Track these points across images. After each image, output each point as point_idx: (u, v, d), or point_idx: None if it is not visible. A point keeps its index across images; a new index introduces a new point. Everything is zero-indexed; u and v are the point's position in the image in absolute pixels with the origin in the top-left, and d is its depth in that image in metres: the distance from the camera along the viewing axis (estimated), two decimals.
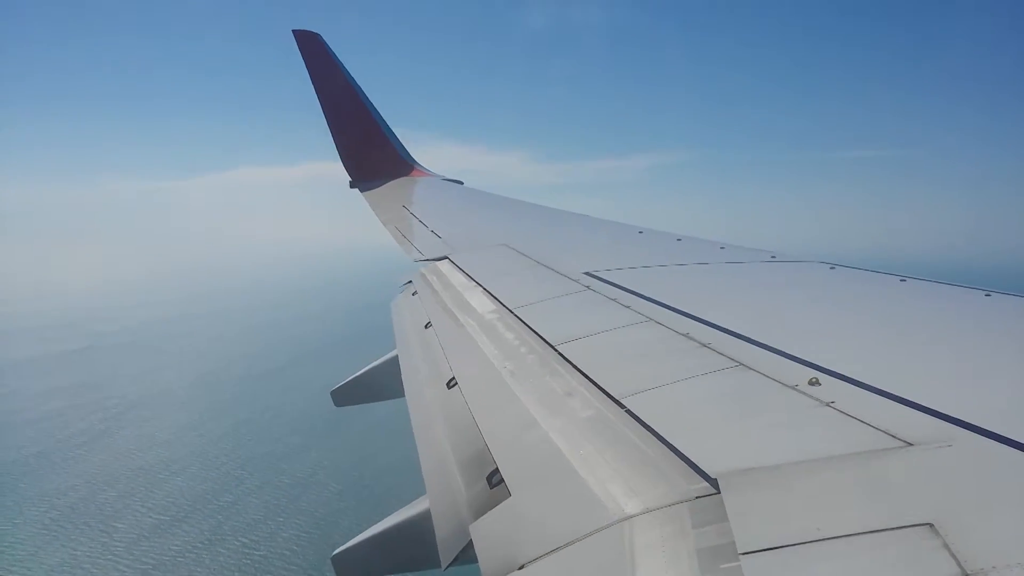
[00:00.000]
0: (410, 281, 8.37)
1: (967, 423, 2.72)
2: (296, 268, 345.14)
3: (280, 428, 75.67)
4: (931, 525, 2.07)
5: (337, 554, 4.59)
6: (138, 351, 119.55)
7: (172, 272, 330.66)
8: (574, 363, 4.21)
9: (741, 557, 2.11)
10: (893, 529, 2.11)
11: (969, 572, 1.86)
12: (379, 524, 4.41)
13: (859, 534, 2.11)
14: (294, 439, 71.93)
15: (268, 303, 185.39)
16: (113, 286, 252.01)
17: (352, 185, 16.18)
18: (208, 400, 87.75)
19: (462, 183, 16.54)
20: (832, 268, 6.26)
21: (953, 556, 1.93)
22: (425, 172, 16.89)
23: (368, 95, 16.36)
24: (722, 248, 7.53)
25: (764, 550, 2.11)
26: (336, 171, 16.36)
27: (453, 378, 4.79)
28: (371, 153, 16.34)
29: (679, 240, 8.25)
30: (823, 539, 2.11)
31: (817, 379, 3.33)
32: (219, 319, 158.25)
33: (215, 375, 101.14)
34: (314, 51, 15.41)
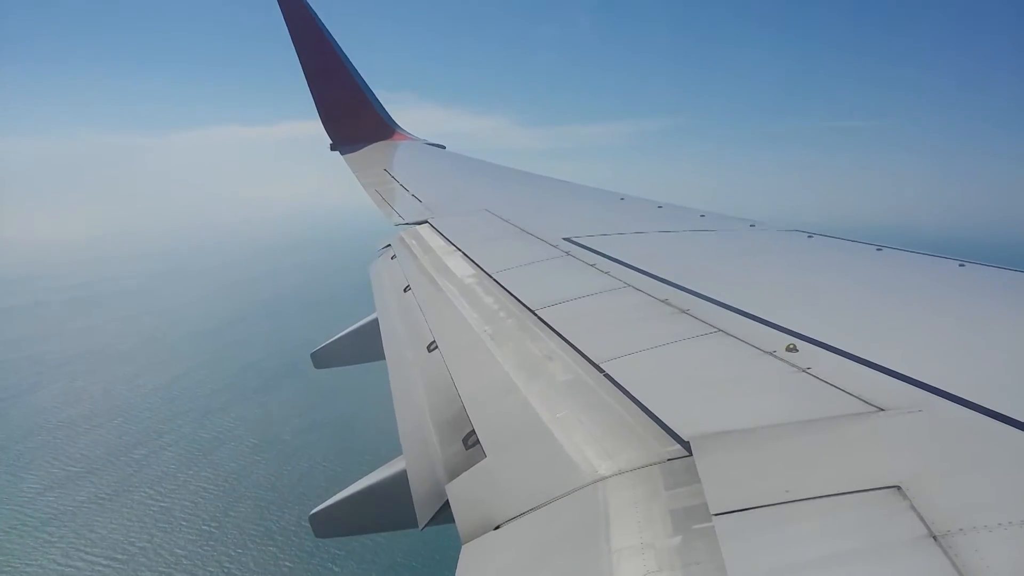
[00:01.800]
0: (388, 245, 8.38)
1: (939, 389, 2.75)
2: (269, 229, 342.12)
3: (212, 384, 75.82)
4: (899, 488, 2.10)
5: (315, 513, 4.59)
6: (88, 307, 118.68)
7: (140, 229, 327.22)
8: (554, 327, 4.24)
9: (713, 518, 2.14)
10: (861, 491, 2.13)
11: (935, 533, 1.87)
12: (356, 484, 4.42)
13: (827, 496, 2.14)
14: (223, 395, 72.15)
15: (233, 262, 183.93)
16: (78, 241, 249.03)
17: (333, 148, 16.11)
18: (147, 355, 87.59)
19: (444, 147, 16.49)
20: (810, 237, 6.33)
21: (920, 518, 1.95)
22: (407, 136, 16.87)
23: (349, 54, 16.18)
24: (702, 216, 7.56)
25: (735, 511, 2.14)
26: (315, 132, 16.34)
27: (433, 341, 4.84)
28: (352, 115, 16.28)
29: (660, 207, 8.30)
30: (792, 500, 2.14)
31: (795, 345, 3.37)
32: (179, 277, 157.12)
33: (161, 331, 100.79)
34: (295, 9, 15.17)
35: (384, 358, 5.31)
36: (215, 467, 55.14)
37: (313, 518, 4.59)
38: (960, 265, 4.98)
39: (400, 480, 3.72)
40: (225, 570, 41.67)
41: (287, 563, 42.29)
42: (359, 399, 64.49)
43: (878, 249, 5.64)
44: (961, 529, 1.87)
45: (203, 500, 49.73)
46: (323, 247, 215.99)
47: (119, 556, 43.03)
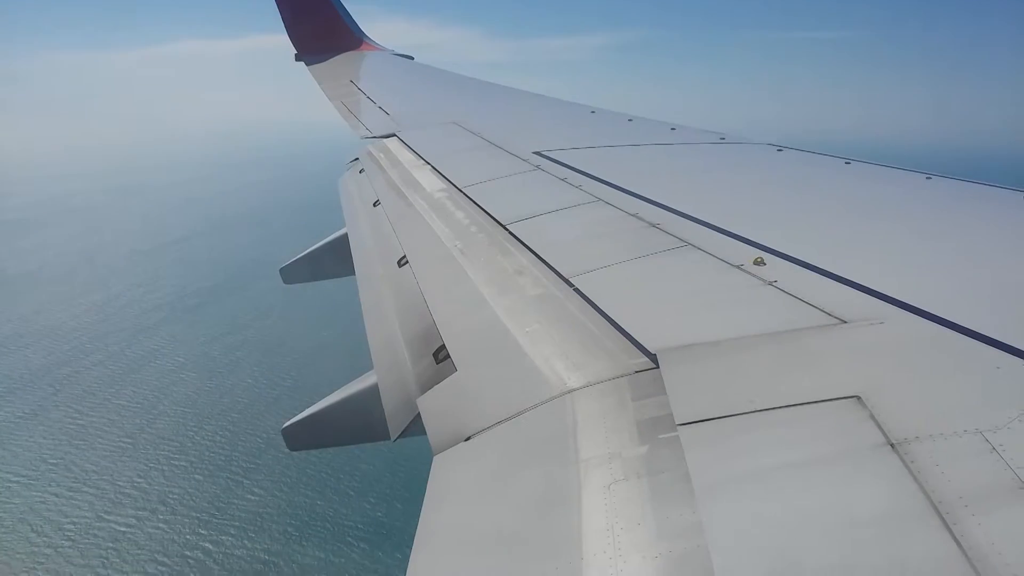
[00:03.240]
0: (356, 159, 8.17)
1: (900, 301, 2.79)
2: (231, 145, 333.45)
3: (148, 303, 75.15)
4: (859, 398, 2.15)
5: (287, 426, 4.62)
6: (34, 227, 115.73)
7: (99, 146, 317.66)
8: (524, 242, 4.24)
9: (678, 428, 2.19)
10: (822, 401, 2.18)
11: (893, 441, 1.93)
12: (328, 398, 4.48)
13: (789, 406, 2.18)
14: (157, 314, 71.64)
15: (190, 179, 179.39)
16: (33, 160, 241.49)
17: (298, 58, 15.58)
18: (86, 275, 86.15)
19: (412, 58, 16.12)
20: (780, 150, 6.36)
21: (879, 426, 2.00)
22: (375, 46, 16.43)
23: None
24: (673, 129, 7.53)
25: (699, 421, 2.19)
26: (282, 45, 15.71)
27: (404, 256, 4.82)
28: (318, 24, 15.73)
29: (630, 121, 8.23)
30: (755, 411, 2.19)
31: (762, 259, 3.40)
32: (131, 194, 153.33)
33: (103, 249, 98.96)
34: None
35: (354, 273, 5.32)
36: (138, 385, 55.13)
37: (286, 431, 4.63)
38: (927, 178, 5.01)
39: (372, 394, 3.76)
40: (134, 484, 42.22)
41: (197, 476, 42.95)
42: (293, 318, 64.55)
43: (846, 162, 5.67)
44: (918, 437, 1.93)
45: (120, 417, 49.90)
46: (283, 163, 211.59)
47: (29, 472, 43.37)
